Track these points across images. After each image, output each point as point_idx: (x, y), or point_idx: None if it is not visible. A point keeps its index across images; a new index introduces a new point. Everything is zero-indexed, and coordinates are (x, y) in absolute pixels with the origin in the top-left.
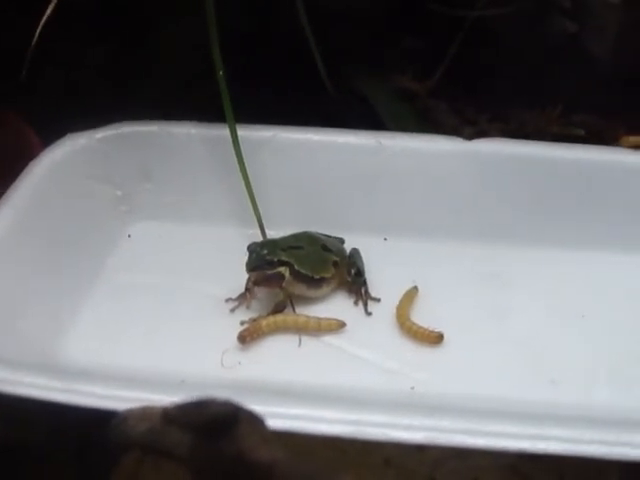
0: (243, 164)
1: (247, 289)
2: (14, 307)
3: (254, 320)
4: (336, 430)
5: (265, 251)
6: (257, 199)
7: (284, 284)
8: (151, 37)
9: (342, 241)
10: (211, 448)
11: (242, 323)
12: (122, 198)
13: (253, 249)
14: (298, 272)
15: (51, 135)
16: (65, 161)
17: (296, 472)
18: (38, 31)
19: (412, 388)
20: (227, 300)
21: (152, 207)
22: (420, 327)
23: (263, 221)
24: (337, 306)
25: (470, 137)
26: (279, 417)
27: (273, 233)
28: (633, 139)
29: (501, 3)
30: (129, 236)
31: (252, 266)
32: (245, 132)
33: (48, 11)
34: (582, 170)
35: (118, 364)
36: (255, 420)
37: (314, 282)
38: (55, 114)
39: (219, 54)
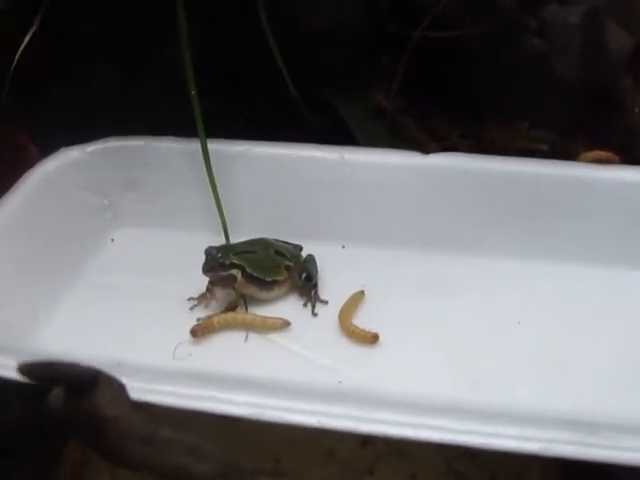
0: (212, 175)
1: (207, 290)
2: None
3: (208, 317)
4: (239, 411)
5: (219, 254)
6: (227, 208)
7: (236, 285)
8: (139, 56)
9: (300, 248)
10: (75, 402)
11: (198, 320)
12: (108, 206)
13: (209, 252)
14: (250, 274)
15: (51, 149)
16: (57, 172)
17: (135, 426)
18: (20, 50)
19: (339, 382)
20: (189, 299)
21: (135, 215)
22: (357, 328)
23: (233, 229)
24: (287, 307)
25: (428, 152)
26: (193, 398)
27: (241, 240)
28: (591, 154)
29: (472, 23)
30: (112, 240)
31: (207, 268)
32: (220, 146)
33: (28, 36)
34: (533, 183)
35: (82, 353)
36: (112, 384)
37: (266, 284)
38: (54, 130)
39: (192, 74)
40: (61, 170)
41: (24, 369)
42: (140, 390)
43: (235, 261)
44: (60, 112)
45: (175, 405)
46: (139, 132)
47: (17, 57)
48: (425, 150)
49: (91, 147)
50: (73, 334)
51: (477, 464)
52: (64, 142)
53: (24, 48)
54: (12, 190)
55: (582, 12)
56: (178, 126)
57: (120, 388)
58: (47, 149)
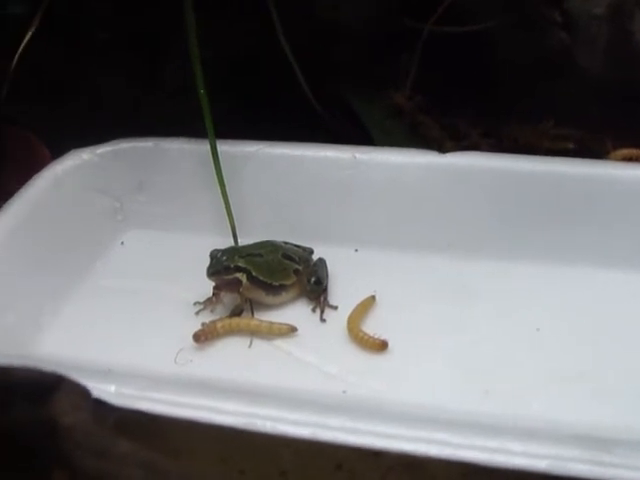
0: (221, 177)
1: (214, 294)
2: (3, 302)
3: (211, 322)
4: (229, 421)
5: (224, 257)
6: (237, 210)
7: (241, 289)
8: (151, 57)
9: (310, 251)
10: (30, 409)
11: (203, 325)
12: (119, 208)
13: (214, 255)
14: (256, 278)
15: (62, 151)
16: (67, 173)
17: (92, 438)
18: (18, 52)
19: (344, 392)
20: (195, 303)
21: (145, 217)
22: (365, 334)
23: (243, 231)
24: (295, 312)
25: (445, 151)
26: (184, 406)
27: (250, 242)
28: (621, 152)
29: (493, 17)
30: (122, 243)
31: (211, 271)
32: (230, 147)
33: (27, 36)
34: (554, 183)
35: (84, 357)
36: (75, 390)
37: (272, 289)
38: (66, 131)
39: (200, 72)
40: (71, 172)
41: None
42: (130, 397)
43: (240, 264)
44: (72, 114)
45: (164, 413)
46: (150, 134)
47: (16, 57)
48: (443, 149)
49: (101, 149)
50: (75, 339)
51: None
52: (76, 144)
53: (37, 50)
54: (21, 191)
55: (608, 3)
56: (190, 128)
57: (82, 395)
58: (59, 151)
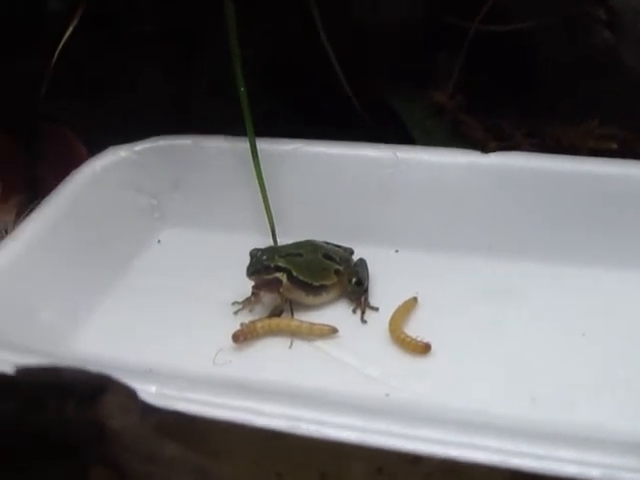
0: (261, 175)
1: (253, 294)
2: (37, 299)
3: (251, 322)
4: (273, 424)
5: (264, 257)
6: (276, 209)
7: (282, 289)
8: (191, 55)
9: (351, 252)
10: (78, 411)
11: (242, 325)
12: (156, 206)
13: (254, 254)
14: (296, 278)
15: (100, 148)
16: (105, 171)
17: (140, 441)
18: (58, 49)
19: (387, 395)
20: (233, 303)
21: (183, 215)
22: (408, 336)
23: (281, 231)
24: (336, 313)
25: (489, 151)
26: (225, 408)
27: (289, 242)
28: None
29: (536, 15)
30: (159, 241)
31: (251, 271)
32: (269, 145)
33: (68, 31)
34: (597, 184)
35: (120, 356)
36: (122, 392)
37: (313, 289)
38: (104, 128)
39: (240, 70)
40: (108, 169)
41: (22, 374)
42: (171, 398)
43: (280, 264)
44: (111, 111)
45: (205, 415)
46: (189, 132)
47: (56, 54)
48: (486, 149)
49: (139, 146)
50: (112, 337)
51: None
52: (114, 141)
53: (77, 47)
54: (59, 188)
55: None
56: (230, 126)
57: (130, 397)
58: (97, 148)
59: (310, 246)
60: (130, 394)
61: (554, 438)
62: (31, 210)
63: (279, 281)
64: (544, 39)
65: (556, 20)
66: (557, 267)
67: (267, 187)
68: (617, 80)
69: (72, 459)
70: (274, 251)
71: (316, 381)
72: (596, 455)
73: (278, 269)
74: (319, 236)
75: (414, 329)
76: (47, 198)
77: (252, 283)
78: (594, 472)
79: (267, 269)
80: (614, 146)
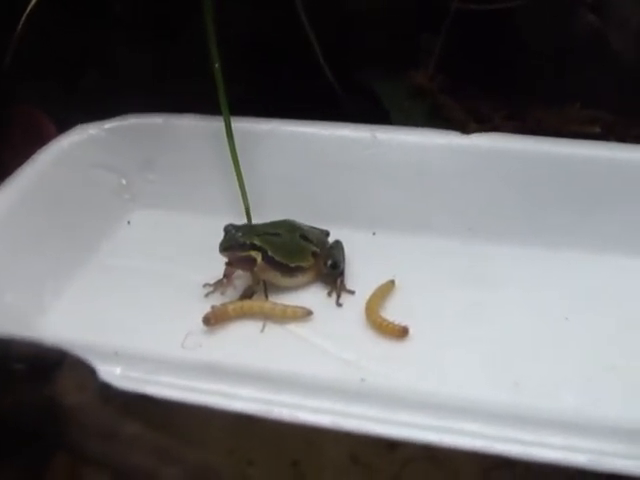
0: (235, 154)
1: (225, 276)
2: (1, 280)
3: (222, 304)
4: (244, 407)
5: (240, 233)
6: (250, 190)
7: (255, 269)
8: (166, 34)
9: (327, 233)
10: (33, 386)
11: (213, 307)
12: (126, 186)
13: (228, 230)
14: (271, 258)
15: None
16: (72, 148)
17: (98, 418)
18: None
19: (363, 379)
20: (204, 285)
21: (153, 196)
22: (385, 320)
23: (256, 212)
24: (311, 296)
25: (469, 132)
26: (193, 391)
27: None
28: None
29: None
30: (128, 222)
31: (224, 246)
32: (245, 125)
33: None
34: (579, 166)
35: (88, 339)
36: (80, 368)
37: (288, 270)
38: (74, 107)
39: (216, 48)
40: (76, 147)
41: None
42: (137, 380)
43: (256, 242)
44: (83, 90)
45: (172, 398)
46: (164, 111)
47: (20, 25)
48: (466, 131)
49: (108, 124)
50: (79, 319)
51: (518, 476)
52: (86, 120)
53: (47, 26)
54: (24, 167)
55: None
56: (205, 106)
57: (89, 374)
58: (67, 127)
59: (288, 226)
60: (88, 370)
61: (539, 423)
62: None
63: (253, 260)
64: (528, 20)
65: (541, 1)
66: (538, 250)
67: (242, 167)
68: (602, 63)
69: (31, 446)
70: (250, 229)
71: (289, 365)
72: (582, 440)
73: (253, 247)
74: (294, 217)
75: (391, 313)
76: (11, 176)
77: (224, 265)
78: (580, 458)
79: (242, 246)
80: (597, 130)
